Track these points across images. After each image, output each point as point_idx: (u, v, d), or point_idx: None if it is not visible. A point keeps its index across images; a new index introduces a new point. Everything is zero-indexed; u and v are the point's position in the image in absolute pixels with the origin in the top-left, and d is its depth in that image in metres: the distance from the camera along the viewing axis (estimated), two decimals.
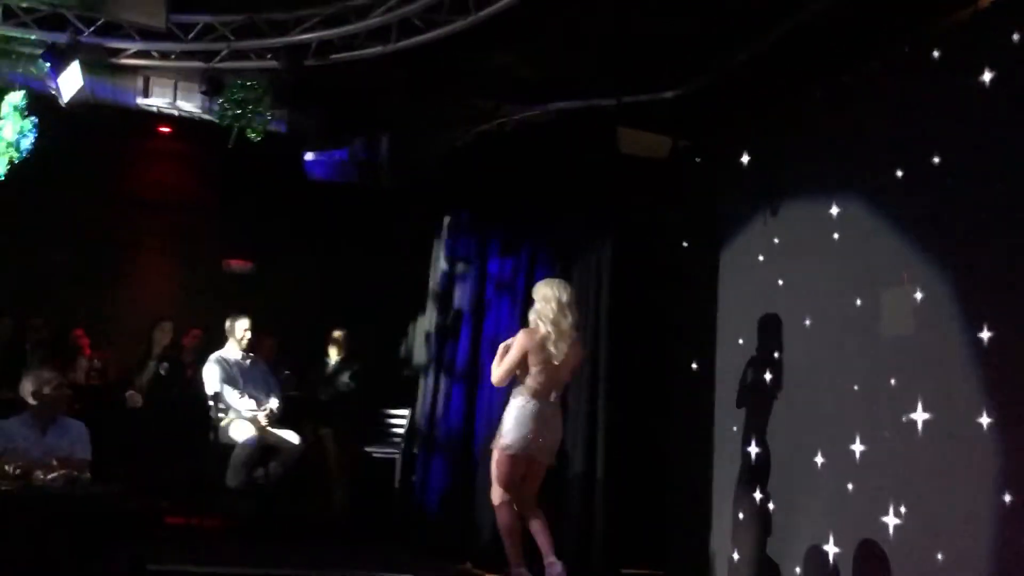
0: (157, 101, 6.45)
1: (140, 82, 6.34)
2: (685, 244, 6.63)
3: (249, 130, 5.93)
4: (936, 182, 4.55)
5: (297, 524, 6.90)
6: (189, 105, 6.41)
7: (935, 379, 4.43)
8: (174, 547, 5.69)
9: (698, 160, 6.57)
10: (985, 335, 4.14)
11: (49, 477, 4.46)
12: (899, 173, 4.78)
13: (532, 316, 5.07)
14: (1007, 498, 3.95)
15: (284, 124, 6.64)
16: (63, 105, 6.02)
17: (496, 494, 5.02)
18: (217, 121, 5.80)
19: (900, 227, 4.74)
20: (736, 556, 5.70)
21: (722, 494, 5.91)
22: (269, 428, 6.50)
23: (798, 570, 5.13)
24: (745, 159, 6.09)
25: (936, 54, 4.63)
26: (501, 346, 5.10)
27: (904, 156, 4.76)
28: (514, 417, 4.96)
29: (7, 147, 5.70)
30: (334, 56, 5.97)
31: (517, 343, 5.00)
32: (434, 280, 7.03)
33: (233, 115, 5.80)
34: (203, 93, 6.03)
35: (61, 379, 5.02)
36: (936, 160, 4.53)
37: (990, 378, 4.13)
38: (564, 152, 6.49)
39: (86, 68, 5.90)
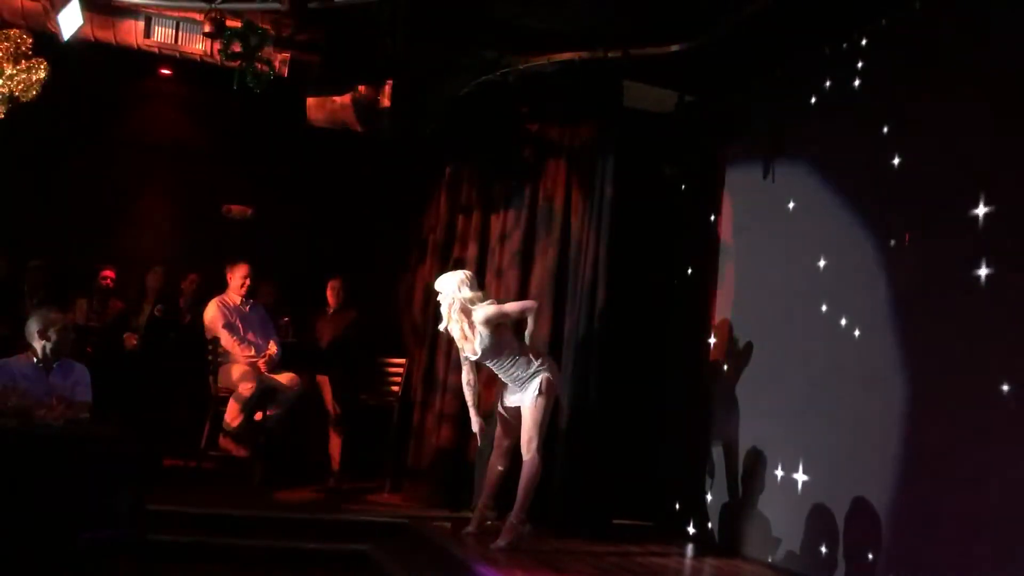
0: (158, 42, 6.36)
1: (141, 22, 6.25)
2: (688, 199, 6.63)
3: (250, 80, 5.85)
4: (945, 138, 4.54)
5: (294, 468, 6.98)
6: (191, 47, 6.32)
7: (929, 337, 4.47)
8: (173, 488, 5.76)
9: (703, 115, 6.53)
10: (983, 272, 4.18)
11: (50, 417, 4.48)
12: (902, 130, 4.77)
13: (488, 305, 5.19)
14: (997, 453, 4.02)
15: (286, 69, 6.55)
16: (63, 43, 5.94)
17: (537, 444, 5.12)
18: (223, 55, 5.72)
19: (904, 183, 4.74)
20: (724, 509, 5.78)
21: (712, 448, 5.98)
22: (268, 373, 6.53)
23: (785, 524, 5.22)
24: (751, 115, 6.06)
25: (944, 14, 4.59)
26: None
27: (910, 114, 4.75)
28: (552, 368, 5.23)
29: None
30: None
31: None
32: (435, 230, 7.01)
33: (234, 55, 5.72)
34: (205, 35, 5.95)
35: (67, 320, 5.03)
36: (947, 118, 4.51)
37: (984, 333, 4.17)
38: (568, 104, 6.44)
39: (86, 6, 5.81)
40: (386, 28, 6.11)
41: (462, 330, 5.12)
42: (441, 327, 5.25)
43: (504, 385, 5.33)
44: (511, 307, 5.22)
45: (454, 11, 5.95)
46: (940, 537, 4.24)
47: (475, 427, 5.39)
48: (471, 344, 5.12)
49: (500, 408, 5.37)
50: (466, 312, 5.09)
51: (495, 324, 5.09)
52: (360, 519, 5.89)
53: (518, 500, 5.17)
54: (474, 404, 5.34)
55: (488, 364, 5.23)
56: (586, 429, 6.03)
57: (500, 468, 5.36)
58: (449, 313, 5.13)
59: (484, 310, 5.08)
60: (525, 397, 5.15)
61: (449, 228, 6.84)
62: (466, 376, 5.33)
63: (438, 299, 5.21)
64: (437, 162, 7.17)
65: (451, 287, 5.13)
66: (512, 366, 5.17)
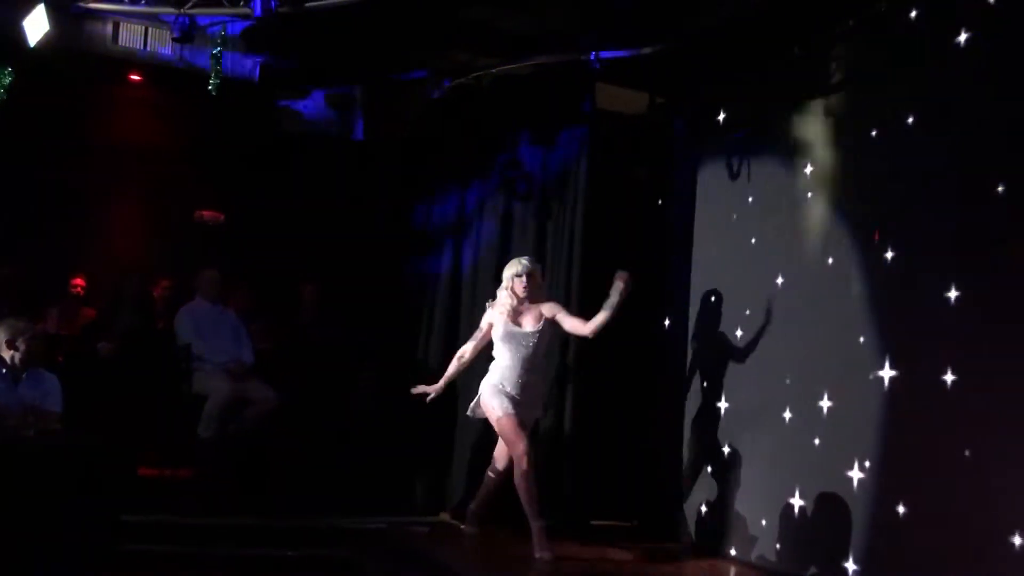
0: (127, 47, 6.32)
1: (109, 27, 6.20)
2: (660, 201, 6.65)
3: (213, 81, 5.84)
4: (910, 143, 4.59)
5: (270, 476, 6.93)
6: (160, 52, 6.29)
7: (903, 337, 4.51)
8: (147, 498, 5.71)
9: (675, 117, 6.57)
10: (952, 294, 4.23)
11: (21, 428, 4.44)
12: (873, 133, 4.82)
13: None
14: (967, 453, 4.07)
15: (257, 73, 6.54)
16: (29, 49, 5.88)
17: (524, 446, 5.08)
18: (212, 60, 5.73)
19: (873, 187, 4.80)
20: (704, 509, 5.81)
21: (692, 448, 6.01)
22: (241, 380, 6.47)
23: (764, 523, 5.25)
24: (722, 117, 6.09)
25: (913, 14, 4.65)
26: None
27: (879, 116, 4.80)
28: None
29: None
30: (309, 3, 5.86)
31: None
32: (409, 234, 7.00)
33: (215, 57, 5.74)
34: (174, 40, 5.91)
35: (36, 330, 4.98)
36: (910, 120, 4.58)
37: (955, 337, 4.22)
38: (541, 107, 6.46)
39: (52, 11, 5.76)
40: (358, 32, 6.11)
41: (518, 307, 5.19)
42: (504, 295, 5.23)
43: (519, 397, 5.16)
44: (574, 320, 5.24)
45: (426, 14, 5.94)
46: (916, 536, 4.28)
47: (423, 388, 5.34)
48: (525, 320, 5.19)
49: (517, 416, 5.13)
50: (535, 298, 5.22)
51: (553, 323, 5.20)
52: (340, 525, 5.86)
53: (530, 507, 5.05)
54: (449, 377, 5.38)
55: (520, 346, 5.16)
56: (566, 430, 6.04)
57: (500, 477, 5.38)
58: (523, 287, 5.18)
59: (558, 305, 5.27)
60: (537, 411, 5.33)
61: (424, 231, 6.83)
62: (467, 351, 5.35)
63: (524, 270, 5.21)
64: (411, 165, 7.15)
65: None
66: (538, 370, 5.25)
